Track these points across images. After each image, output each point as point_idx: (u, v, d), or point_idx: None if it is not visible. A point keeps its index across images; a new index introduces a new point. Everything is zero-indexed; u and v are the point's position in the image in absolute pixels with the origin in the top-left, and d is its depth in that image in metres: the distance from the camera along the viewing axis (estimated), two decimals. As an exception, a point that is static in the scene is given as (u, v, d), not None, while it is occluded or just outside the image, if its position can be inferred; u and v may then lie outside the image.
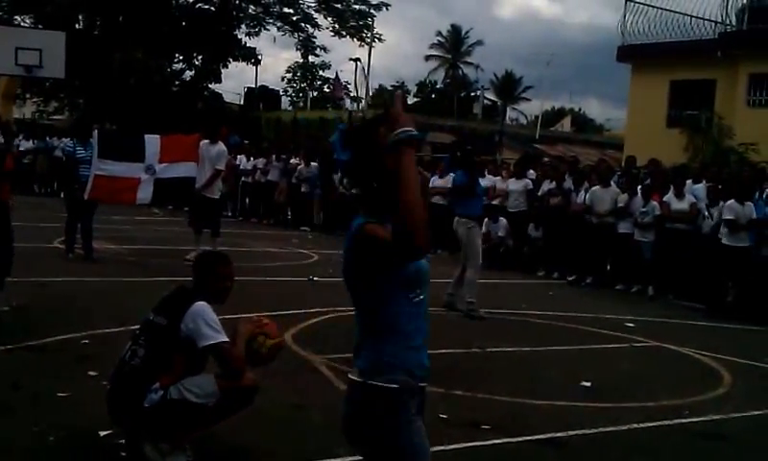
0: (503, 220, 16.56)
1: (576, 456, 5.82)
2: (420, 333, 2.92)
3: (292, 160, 21.71)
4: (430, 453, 2.95)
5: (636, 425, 6.57)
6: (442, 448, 5.43)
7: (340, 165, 2.93)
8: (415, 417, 2.92)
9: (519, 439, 5.93)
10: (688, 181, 14.86)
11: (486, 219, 16.26)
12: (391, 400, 2.87)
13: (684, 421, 6.83)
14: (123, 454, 5.10)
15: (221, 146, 13.93)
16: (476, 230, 10.94)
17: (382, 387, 2.88)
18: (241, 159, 22.69)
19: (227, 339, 4.90)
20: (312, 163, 21.17)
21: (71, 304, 9.46)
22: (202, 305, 4.90)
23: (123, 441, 5.15)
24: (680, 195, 14.12)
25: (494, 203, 16.78)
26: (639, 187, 14.69)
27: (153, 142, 12.89)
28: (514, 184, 16.92)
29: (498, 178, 17.61)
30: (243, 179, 22.72)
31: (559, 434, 6.16)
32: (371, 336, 2.92)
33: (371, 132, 2.91)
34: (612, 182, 15.31)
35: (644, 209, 14.28)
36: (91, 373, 6.70)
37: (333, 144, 2.96)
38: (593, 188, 15.09)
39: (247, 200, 23.19)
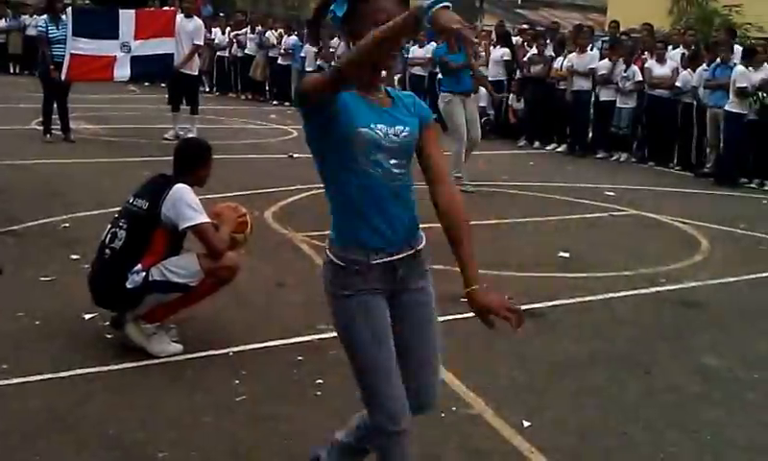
0: (484, 90, 16.39)
1: (553, 327, 5.93)
2: (378, 204, 2.82)
3: (268, 34, 21.33)
4: (378, 329, 2.87)
5: (612, 295, 6.68)
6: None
7: (334, 18, 2.83)
8: (365, 292, 2.85)
9: (498, 311, 6.03)
10: (669, 47, 14.77)
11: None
12: (336, 274, 2.86)
13: (660, 289, 6.95)
14: (108, 336, 5.18)
15: (197, 21, 13.69)
16: (452, 103, 10.76)
17: (330, 260, 2.88)
18: (216, 33, 22.24)
19: (208, 220, 4.94)
20: (291, 36, 20.87)
21: (50, 187, 9.43)
22: (182, 188, 4.91)
23: (107, 323, 5.22)
24: (661, 60, 14.07)
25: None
26: (625, 53, 14.57)
27: (127, 18, 12.69)
28: (492, 54, 16.73)
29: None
30: (219, 53, 22.31)
31: (536, 305, 6.26)
32: (331, 207, 2.90)
33: (364, 5, 2.78)
34: (591, 48, 15.17)
35: (625, 75, 14.20)
36: (73, 256, 6.74)
37: None
38: (570, 55, 14.96)
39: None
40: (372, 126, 2.78)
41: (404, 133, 2.85)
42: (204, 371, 4.84)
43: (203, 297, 5.10)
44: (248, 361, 4.99)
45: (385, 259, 2.86)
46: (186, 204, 4.85)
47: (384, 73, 2.96)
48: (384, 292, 2.90)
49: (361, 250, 2.84)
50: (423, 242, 2.99)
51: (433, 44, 15.20)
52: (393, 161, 2.83)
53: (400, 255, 2.89)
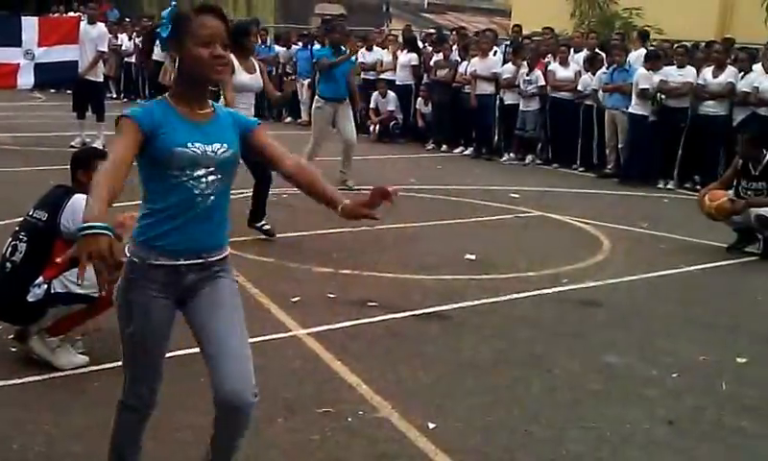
0: (392, 94, 16.58)
1: (458, 328, 6.05)
2: (183, 212, 2.96)
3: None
4: (147, 331, 3.18)
5: (516, 295, 6.85)
6: (329, 327, 5.60)
7: (160, 39, 3.03)
8: (149, 290, 3.04)
9: (404, 314, 6.12)
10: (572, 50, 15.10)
11: (375, 93, 16.36)
12: (126, 270, 3.04)
13: (562, 289, 7.14)
14: (12, 349, 5.11)
15: (102, 27, 13.60)
16: (321, 110, 10.97)
17: (128, 258, 3.04)
18: (122, 38, 21.85)
19: (108, 230, 4.89)
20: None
21: (-49, 198, 9.20)
22: (80, 198, 4.86)
23: (11, 337, 5.14)
24: (564, 63, 14.38)
25: (382, 77, 16.81)
26: (528, 57, 14.84)
27: (30, 25, 12.53)
28: (400, 59, 16.89)
29: (385, 51, 17.54)
30: (126, 59, 21.93)
31: (442, 307, 6.39)
32: (144, 209, 3.06)
33: (188, 23, 2.96)
34: (494, 52, 15.40)
35: (527, 78, 14.47)
36: (-25, 269, 6.59)
37: (163, 18, 3.02)
38: (473, 60, 15.16)
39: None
40: (189, 145, 2.92)
41: (222, 150, 2.98)
42: (111, 383, 4.76)
43: (107, 307, 5.03)
44: (155, 372, 4.96)
45: (170, 263, 3.01)
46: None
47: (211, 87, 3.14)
48: (169, 296, 3.08)
49: (163, 250, 3.00)
50: (223, 255, 3.14)
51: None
52: (211, 178, 2.97)
53: (188, 263, 3.04)
